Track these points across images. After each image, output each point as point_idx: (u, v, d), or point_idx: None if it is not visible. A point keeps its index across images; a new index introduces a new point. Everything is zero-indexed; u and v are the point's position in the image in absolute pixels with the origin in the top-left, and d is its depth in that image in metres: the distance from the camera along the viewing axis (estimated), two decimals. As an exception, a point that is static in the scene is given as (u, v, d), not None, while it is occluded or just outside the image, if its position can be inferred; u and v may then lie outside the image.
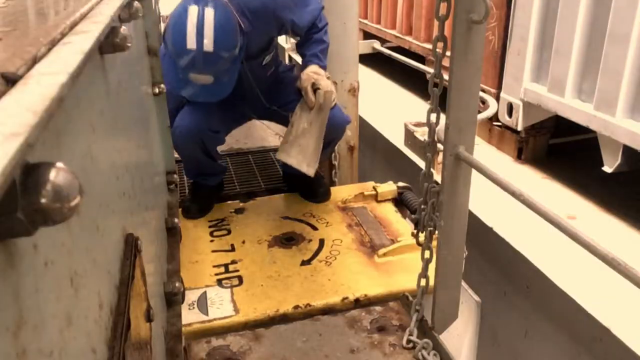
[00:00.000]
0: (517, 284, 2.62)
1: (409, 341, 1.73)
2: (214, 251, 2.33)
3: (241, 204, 2.72)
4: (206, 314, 1.92)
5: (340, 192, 2.79)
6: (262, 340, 1.77)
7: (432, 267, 1.72)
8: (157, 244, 1.51)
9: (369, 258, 2.24)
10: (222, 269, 2.20)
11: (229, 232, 2.48)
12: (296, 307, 1.94)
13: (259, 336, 1.79)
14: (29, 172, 0.41)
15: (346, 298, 1.98)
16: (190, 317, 1.88)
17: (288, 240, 2.39)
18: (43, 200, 0.41)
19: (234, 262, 2.24)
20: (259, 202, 2.76)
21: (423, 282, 1.75)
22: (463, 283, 1.88)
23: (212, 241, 2.41)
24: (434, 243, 1.70)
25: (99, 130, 0.83)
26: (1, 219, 0.39)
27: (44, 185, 0.41)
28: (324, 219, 2.55)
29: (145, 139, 1.55)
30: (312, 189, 2.77)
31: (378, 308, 1.92)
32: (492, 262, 2.79)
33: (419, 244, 1.79)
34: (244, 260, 2.25)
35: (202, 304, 1.98)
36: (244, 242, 2.39)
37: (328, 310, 1.95)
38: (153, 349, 1.07)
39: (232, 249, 2.34)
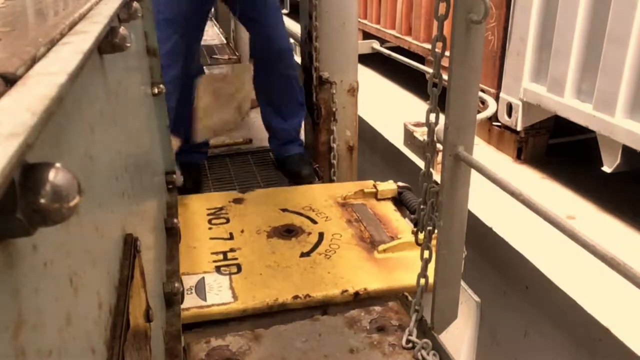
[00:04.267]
0: (517, 284, 2.62)
1: (408, 341, 1.73)
2: (212, 238, 2.31)
3: (240, 195, 2.71)
4: (204, 299, 1.90)
5: (340, 189, 2.78)
6: (262, 340, 1.77)
7: (431, 267, 1.72)
8: (157, 244, 1.51)
9: (368, 253, 2.23)
10: (221, 257, 2.17)
11: (228, 220, 2.46)
12: (295, 297, 1.93)
13: (259, 336, 1.79)
14: (28, 172, 0.41)
15: (346, 291, 1.97)
16: (188, 302, 1.85)
17: (287, 232, 2.37)
18: (42, 201, 0.41)
19: (232, 250, 2.22)
20: (258, 193, 2.74)
21: (422, 281, 1.75)
22: (462, 283, 1.88)
23: (210, 229, 2.39)
24: (433, 243, 1.70)
25: (98, 131, 0.83)
26: (0, 219, 0.39)
27: (43, 185, 0.41)
28: (324, 214, 2.54)
29: (145, 139, 1.55)
30: (297, 170, 3.08)
31: (377, 308, 1.92)
32: (492, 262, 2.79)
33: (418, 243, 1.79)
34: (243, 249, 2.23)
35: (200, 289, 1.95)
36: (242, 231, 2.37)
37: (327, 302, 1.94)
38: (152, 349, 1.07)
39: (231, 238, 2.32)
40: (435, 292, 1.72)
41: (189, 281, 1.98)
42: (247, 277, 2.05)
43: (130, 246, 0.95)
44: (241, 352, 1.71)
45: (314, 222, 2.47)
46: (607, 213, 2.91)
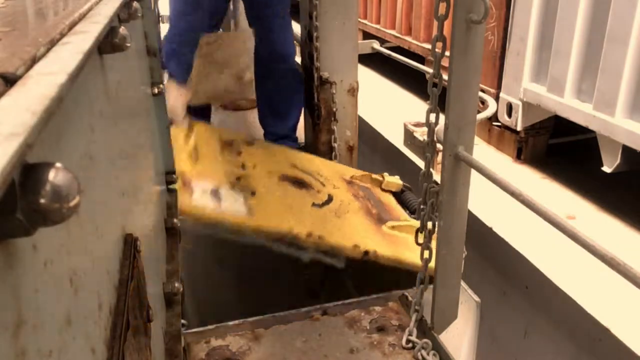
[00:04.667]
0: (517, 284, 2.62)
1: (408, 341, 1.73)
2: (226, 161, 2.23)
3: (249, 138, 2.65)
4: (219, 205, 1.82)
5: (347, 170, 2.72)
6: (262, 340, 1.77)
7: (431, 267, 1.72)
8: (157, 244, 1.51)
9: (376, 225, 2.17)
10: (234, 179, 2.09)
11: (240, 153, 2.38)
12: (309, 234, 1.86)
13: (259, 336, 1.79)
14: (28, 172, 0.41)
15: (357, 246, 1.91)
16: (203, 201, 1.75)
17: (298, 183, 2.31)
18: (42, 201, 0.41)
19: (246, 177, 2.13)
20: (266, 144, 2.68)
21: (422, 281, 1.76)
22: (462, 283, 1.88)
23: (222, 154, 2.31)
24: (433, 243, 1.70)
25: (98, 131, 0.83)
26: (0, 219, 0.39)
27: (43, 185, 0.41)
28: (331, 182, 2.47)
29: (145, 139, 1.55)
30: None
31: (377, 308, 1.92)
32: (492, 262, 2.79)
33: (418, 243, 1.79)
34: (256, 180, 2.14)
35: (215, 195, 1.86)
36: (255, 166, 2.28)
37: (337, 252, 1.90)
38: (152, 350, 1.07)
39: (244, 168, 2.24)
40: (435, 292, 1.73)
41: (205, 186, 1.87)
42: (260, 202, 1.95)
43: (130, 246, 0.95)
44: (241, 352, 1.71)
45: (323, 185, 2.40)
46: (607, 213, 2.90)
